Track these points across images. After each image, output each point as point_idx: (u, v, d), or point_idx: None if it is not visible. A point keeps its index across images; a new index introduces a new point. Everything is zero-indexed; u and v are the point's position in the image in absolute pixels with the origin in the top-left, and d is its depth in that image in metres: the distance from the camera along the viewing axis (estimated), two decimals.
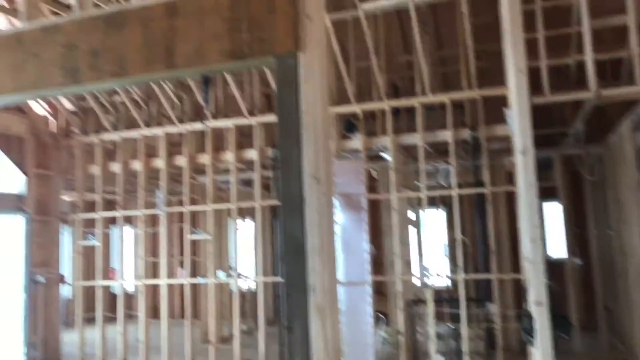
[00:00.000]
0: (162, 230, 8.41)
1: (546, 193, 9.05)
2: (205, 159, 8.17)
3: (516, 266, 6.93)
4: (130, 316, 9.59)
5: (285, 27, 2.94)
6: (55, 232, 8.83)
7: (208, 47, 3.10)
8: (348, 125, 7.36)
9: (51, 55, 3.43)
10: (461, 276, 6.93)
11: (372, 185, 8.43)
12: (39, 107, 8.72)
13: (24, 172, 8.48)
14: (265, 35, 2.99)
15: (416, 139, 7.11)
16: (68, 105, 8.82)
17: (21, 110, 8.45)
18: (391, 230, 7.54)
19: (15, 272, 8.34)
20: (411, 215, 8.34)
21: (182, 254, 10.93)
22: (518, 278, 6.59)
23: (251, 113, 7.84)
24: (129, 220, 8.94)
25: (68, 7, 6.74)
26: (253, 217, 10.51)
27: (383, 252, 8.60)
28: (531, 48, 5.75)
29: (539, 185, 4.11)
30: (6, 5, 7.46)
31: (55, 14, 6.80)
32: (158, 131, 8.34)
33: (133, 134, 8.51)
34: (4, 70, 3.53)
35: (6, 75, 3.52)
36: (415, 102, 7.09)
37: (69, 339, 9.21)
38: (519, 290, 7.21)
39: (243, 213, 11.01)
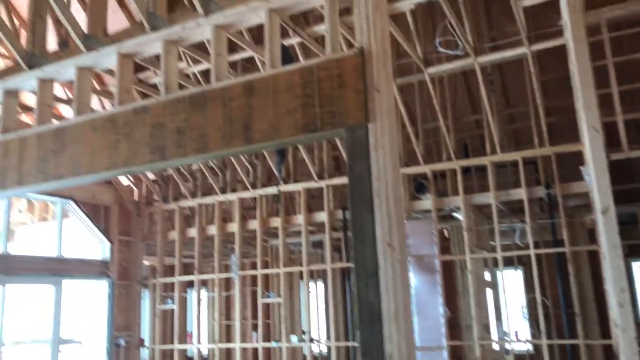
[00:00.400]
0: (236, 293, 8.57)
1: (634, 251, 8.54)
2: (277, 222, 8.36)
3: (605, 330, 6.49)
4: None
5: (355, 100, 3.08)
6: (136, 296, 9.21)
7: (283, 122, 3.29)
8: (418, 186, 7.36)
9: (141, 134, 3.74)
10: (544, 341, 6.56)
11: (445, 245, 8.27)
12: (123, 178, 9.34)
13: (109, 239, 9.00)
14: (336, 109, 3.14)
15: (489, 198, 6.98)
16: (150, 175, 9.39)
17: (107, 180, 9.07)
18: (467, 292, 7.30)
19: (98, 335, 8.70)
20: (487, 276, 8.07)
21: (255, 317, 11.03)
22: (608, 344, 6.16)
23: (320, 176, 8.02)
24: (204, 283, 9.21)
25: (155, 87, 7.33)
26: (324, 279, 10.52)
27: (459, 316, 8.30)
28: (607, 102, 5.63)
29: (625, 243, 3.91)
30: (97, 87, 8.21)
31: (144, 95, 7.39)
32: (232, 197, 8.67)
33: (209, 200, 8.89)
34: (100, 150, 3.87)
35: (102, 154, 3.86)
36: (485, 160, 7.02)
37: None
38: (611, 357, 6.71)
39: (314, 275, 11.05)
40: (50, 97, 4.36)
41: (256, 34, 6.88)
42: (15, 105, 4.50)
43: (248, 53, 6.64)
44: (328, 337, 9.56)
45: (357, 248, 2.94)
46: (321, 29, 6.24)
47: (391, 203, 2.91)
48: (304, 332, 8.32)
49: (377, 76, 3.08)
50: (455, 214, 7.54)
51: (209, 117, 3.54)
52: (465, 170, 7.32)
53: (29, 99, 8.04)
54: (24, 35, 5.03)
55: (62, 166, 4.01)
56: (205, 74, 7.69)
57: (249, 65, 8.03)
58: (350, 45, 5.83)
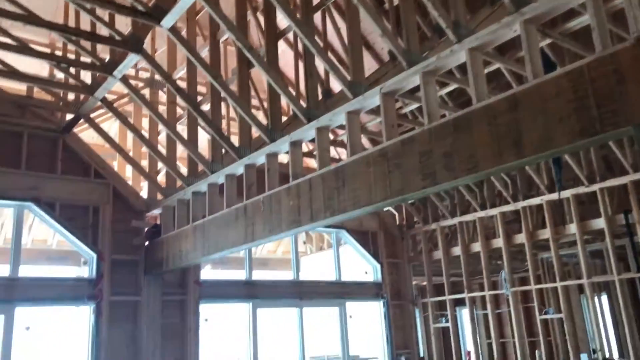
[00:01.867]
0: (509, 310, 8.30)
1: None
2: (546, 234, 7.90)
3: None
4: None
5: None
6: (410, 315, 9.62)
7: (555, 131, 3.18)
8: None
9: (411, 163, 4.01)
10: None
11: None
12: None
13: (379, 262, 9.63)
14: (617, 107, 2.91)
15: None
16: None
17: None
18: None
19: (380, 352, 9.30)
20: None
21: (530, 334, 10.46)
22: None
23: (591, 180, 7.35)
24: (473, 301, 9.13)
25: (415, 118, 7.75)
26: (607, 291, 9.49)
27: None
28: None
29: None
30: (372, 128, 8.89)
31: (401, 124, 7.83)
32: (494, 212, 8.51)
33: (469, 217, 8.88)
34: (375, 182, 4.26)
35: (377, 186, 4.24)
36: None
37: None
38: None
39: (595, 288, 10.03)
40: (327, 143, 4.97)
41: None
42: (301, 154, 5.25)
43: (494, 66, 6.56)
44: (621, 355, 8.54)
45: None
46: (570, 25, 5.86)
47: None
48: (594, 351, 7.59)
49: None
50: None
51: (475, 138, 3.61)
52: None
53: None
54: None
55: (344, 201, 4.52)
56: (450, 94, 7.83)
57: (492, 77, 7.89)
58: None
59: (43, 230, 9.00)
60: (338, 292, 9.11)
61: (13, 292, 6.31)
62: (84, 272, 7.45)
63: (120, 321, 6.86)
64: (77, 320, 7.17)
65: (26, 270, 6.75)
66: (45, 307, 6.81)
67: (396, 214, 10.12)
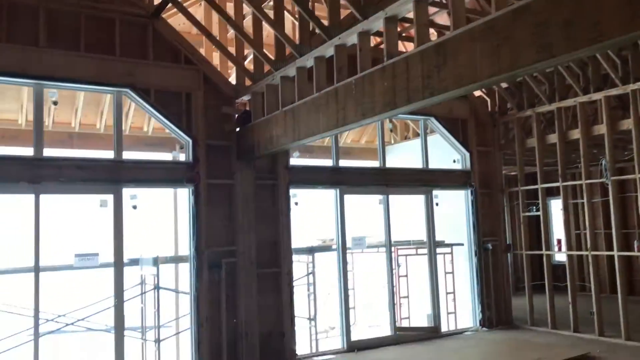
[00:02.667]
0: (602, 200, 7.94)
1: None
2: None
3: None
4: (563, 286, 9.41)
5: None
6: (498, 203, 9.47)
7: None
8: None
9: (523, 35, 3.65)
10: None
11: None
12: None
13: (468, 150, 9.36)
14: None
15: None
16: (502, 83, 9.25)
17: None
18: None
19: (466, 239, 9.32)
20: None
21: (625, 225, 10.06)
22: None
23: None
24: (566, 190, 8.79)
25: None
26: None
27: None
28: None
29: None
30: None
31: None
32: (598, 96, 7.87)
33: (569, 102, 8.29)
34: (481, 58, 3.95)
35: (483, 62, 3.94)
36: None
37: (518, 304, 9.67)
38: None
39: None
40: (426, 17, 4.63)
41: None
42: (396, 31, 4.96)
43: None
44: None
45: None
46: None
47: None
48: None
49: None
50: None
51: (602, 2, 3.19)
52: None
53: None
54: None
55: (445, 79, 4.27)
56: None
57: None
58: None
59: (139, 118, 9.40)
60: (424, 179, 9.05)
61: (119, 173, 6.74)
62: (181, 157, 7.80)
63: (217, 203, 7.22)
64: (179, 201, 7.65)
65: (128, 155, 7.14)
66: (148, 189, 7.26)
67: (488, 100, 9.64)
